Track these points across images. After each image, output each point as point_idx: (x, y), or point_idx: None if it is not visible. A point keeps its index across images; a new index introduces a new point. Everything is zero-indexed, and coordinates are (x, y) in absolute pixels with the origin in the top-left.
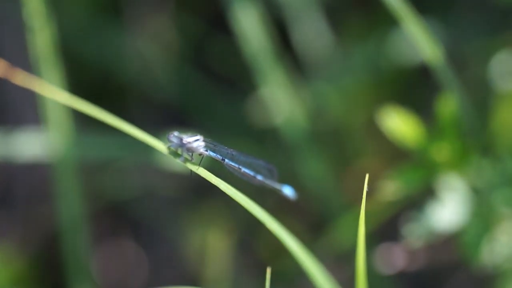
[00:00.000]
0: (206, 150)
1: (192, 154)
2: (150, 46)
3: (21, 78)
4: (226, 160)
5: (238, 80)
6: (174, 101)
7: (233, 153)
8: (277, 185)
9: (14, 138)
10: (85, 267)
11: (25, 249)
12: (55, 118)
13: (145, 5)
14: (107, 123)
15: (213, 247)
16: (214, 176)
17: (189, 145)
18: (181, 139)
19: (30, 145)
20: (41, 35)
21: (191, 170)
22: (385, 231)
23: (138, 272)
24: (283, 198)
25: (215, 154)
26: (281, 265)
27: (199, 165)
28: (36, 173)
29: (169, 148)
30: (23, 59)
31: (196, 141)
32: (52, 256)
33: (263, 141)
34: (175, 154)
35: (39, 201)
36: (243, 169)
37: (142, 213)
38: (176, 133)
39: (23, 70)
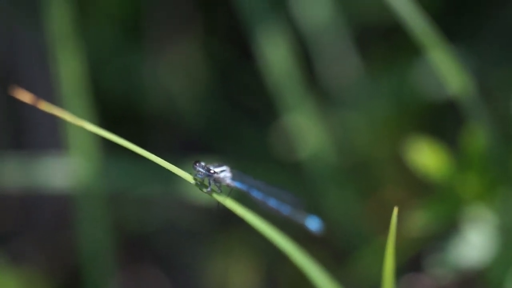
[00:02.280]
0: (233, 181)
1: (220, 185)
2: (174, 72)
3: (47, 106)
4: (252, 191)
5: (263, 108)
6: (198, 129)
7: (260, 184)
8: (302, 219)
9: (39, 165)
10: None
11: (48, 276)
12: (79, 146)
13: (170, 30)
14: (130, 153)
15: (235, 278)
16: (241, 208)
17: (216, 176)
18: (208, 169)
19: (54, 173)
20: (66, 62)
21: (218, 202)
22: (410, 263)
23: None
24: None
25: (241, 185)
26: None
27: (226, 196)
28: (60, 201)
29: (195, 178)
30: (46, 87)
31: (223, 172)
32: (75, 284)
33: (287, 170)
34: (202, 185)
35: (63, 229)
36: (269, 202)
37: (165, 244)
38: (202, 163)
39: (46, 96)
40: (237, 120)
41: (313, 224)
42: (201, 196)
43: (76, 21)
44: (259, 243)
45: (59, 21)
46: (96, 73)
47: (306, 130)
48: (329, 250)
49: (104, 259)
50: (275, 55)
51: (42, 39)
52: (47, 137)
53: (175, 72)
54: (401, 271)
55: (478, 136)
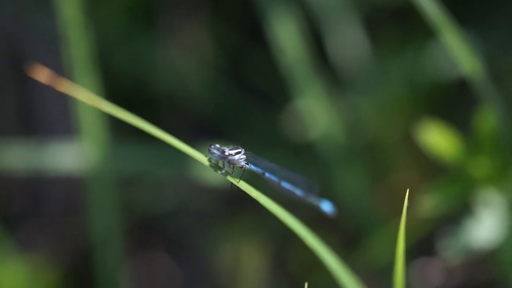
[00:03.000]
0: (247, 163)
1: (233, 167)
2: (184, 56)
3: (65, 86)
4: (267, 174)
5: (273, 92)
6: (208, 112)
7: (274, 167)
8: (316, 201)
9: (48, 149)
10: (117, 281)
11: (58, 261)
12: (90, 130)
13: (180, 14)
14: (139, 136)
15: (246, 261)
16: (254, 190)
17: (231, 158)
18: (223, 151)
19: (64, 157)
20: (77, 46)
21: (231, 183)
22: (420, 246)
23: (171, 286)
24: (318, 212)
25: (255, 168)
26: (316, 280)
27: (240, 178)
28: (70, 185)
29: (210, 160)
30: (56, 70)
31: (238, 154)
32: (85, 269)
33: (298, 153)
34: (216, 167)
35: (73, 213)
36: (283, 184)
37: (175, 227)
38: (217, 145)
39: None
40: (247, 103)
41: (326, 206)
42: (211, 179)
43: (86, 5)
44: (269, 226)
45: (69, 5)
46: (106, 57)
47: (316, 113)
48: (339, 233)
49: (114, 243)
50: (286, 37)
51: (52, 23)
52: (56, 122)
53: (186, 55)
54: (412, 253)
55: (490, 118)
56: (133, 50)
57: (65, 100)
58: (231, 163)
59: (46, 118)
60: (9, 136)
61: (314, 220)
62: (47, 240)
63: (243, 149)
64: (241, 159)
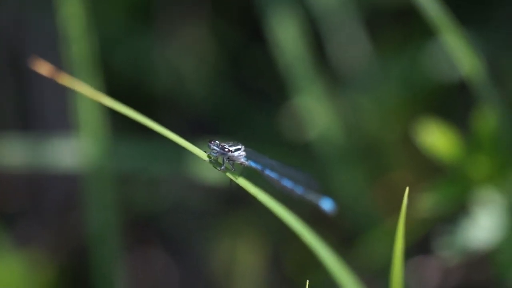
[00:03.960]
0: (247, 160)
1: (233, 164)
2: (183, 54)
3: (66, 80)
4: (266, 170)
5: (272, 90)
6: (207, 111)
7: (274, 164)
8: (316, 199)
9: (46, 146)
10: (114, 278)
11: (55, 257)
12: (88, 126)
13: (179, 12)
14: (138, 133)
15: (242, 259)
16: (253, 187)
17: (230, 154)
18: (223, 147)
19: (62, 153)
20: (78, 43)
21: (230, 180)
22: (417, 246)
23: (167, 284)
24: (315, 209)
25: (255, 164)
26: (312, 279)
27: (239, 175)
28: (68, 181)
29: (209, 156)
30: (56, 67)
31: (238, 150)
32: (82, 265)
33: (296, 152)
34: (216, 163)
35: (70, 209)
36: (283, 181)
37: (172, 224)
38: (217, 141)
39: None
40: (246, 102)
41: (326, 204)
42: (208, 177)
43: (86, 1)
44: (266, 224)
45: (70, 2)
46: (105, 55)
47: (316, 112)
48: (336, 232)
49: (111, 240)
50: (286, 36)
51: (51, 21)
52: (54, 118)
53: (185, 54)
54: (410, 253)
55: (489, 118)
56: (132, 48)
57: (63, 97)
58: (231, 159)
59: (44, 114)
60: (8, 132)
61: (310, 217)
62: (44, 236)
63: (243, 146)
64: (240, 155)
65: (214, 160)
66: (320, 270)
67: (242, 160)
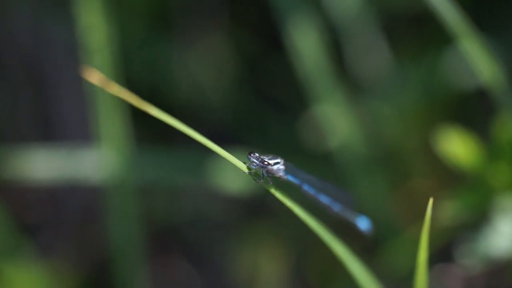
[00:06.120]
0: (286, 174)
1: (271, 177)
2: (202, 64)
3: (115, 89)
4: (304, 185)
5: (292, 100)
6: (226, 120)
7: (311, 179)
8: (352, 217)
9: (68, 157)
10: None
11: (77, 268)
12: (111, 137)
13: (199, 21)
14: (158, 144)
15: (264, 269)
16: (290, 201)
17: (270, 167)
18: (263, 161)
19: (84, 165)
20: (99, 54)
21: (269, 192)
22: (439, 254)
23: None
24: (336, 218)
25: (293, 179)
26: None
27: (276, 188)
28: (89, 194)
29: (249, 168)
30: (75, 78)
31: (277, 164)
32: (104, 276)
33: (317, 161)
34: (256, 175)
35: (91, 222)
36: (320, 197)
37: (194, 235)
38: (256, 154)
39: (74, 88)
40: (266, 111)
41: (362, 223)
42: (230, 187)
43: (106, 11)
44: (288, 233)
45: (90, 12)
46: (125, 64)
47: (335, 121)
48: (358, 240)
49: (133, 251)
50: (305, 44)
51: (68, 33)
52: (73, 129)
53: (204, 63)
54: (431, 261)
55: (509, 125)
56: (151, 58)
57: (82, 108)
58: (270, 172)
59: (64, 125)
60: (29, 144)
61: (332, 226)
62: (66, 247)
63: (282, 160)
64: (279, 169)
65: (254, 173)
66: (342, 278)
67: (281, 174)
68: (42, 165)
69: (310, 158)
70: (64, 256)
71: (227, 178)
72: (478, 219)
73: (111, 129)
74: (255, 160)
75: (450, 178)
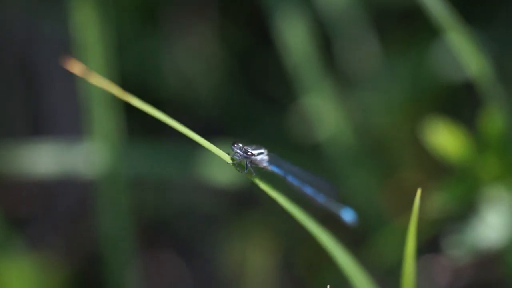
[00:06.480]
0: (270, 165)
1: (255, 168)
2: (191, 57)
3: (97, 80)
4: (289, 177)
5: (281, 92)
6: (215, 114)
7: (296, 170)
8: (336, 209)
9: (59, 151)
10: (127, 282)
11: (67, 262)
12: (102, 130)
13: (187, 15)
14: (147, 138)
15: (253, 262)
16: (273, 191)
17: (253, 158)
18: (246, 151)
19: (75, 159)
20: (91, 48)
21: (252, 183)
22: (427, 245)
23: (179, 287)
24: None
25: (278, 170)
26: (323, 281)
27: (260, 178)
28: (80, 188)
29: (232, 158)
30: (67, 73)
31: (260, 154)
32: (94, 269)
33: (305, 154)
34: (240, 166)
35: (82, 214)
36: (305, 188)
37: (183, 228)
38: (240, 144)
39: (66, 81)
40: (254, 104)
41: (347, 215)
42: (218, 179)
43: (98, 7)
44: (276, 226)
45: (82, 8)
46: (115, 59)
47: (324, 113)
48: (346, 231)
49: (124, 244)
50: (294, 37)
51: (61, 28)
52: (64, 124)
53: (193, 56)
54: (419, 252)
55: (497, 118)
56: (140, 51)
57: (73, 102)
58: (253, 163)
59: (56, 121)
60: (20, 138)
61: (321, 218)
62: (57, 240)
63: (266, 150)
64: (263, 160)
65: (237, 163)
66: (331, 270)
67: (265, 164)
68: (33, 159)
69: (299, 151)
70: (54, 249)
71: (216, 170)
72: (466, 211)
73: (102, 123)
74: (238, 151)
75: (438, 170)
